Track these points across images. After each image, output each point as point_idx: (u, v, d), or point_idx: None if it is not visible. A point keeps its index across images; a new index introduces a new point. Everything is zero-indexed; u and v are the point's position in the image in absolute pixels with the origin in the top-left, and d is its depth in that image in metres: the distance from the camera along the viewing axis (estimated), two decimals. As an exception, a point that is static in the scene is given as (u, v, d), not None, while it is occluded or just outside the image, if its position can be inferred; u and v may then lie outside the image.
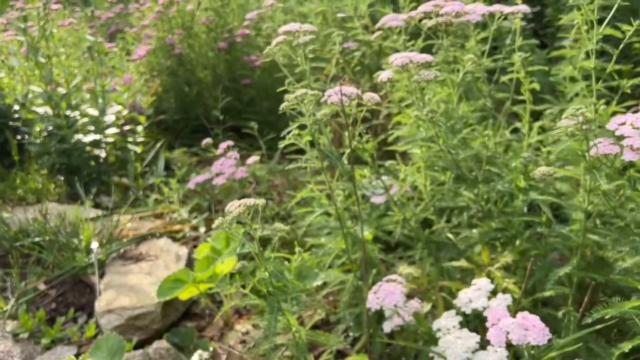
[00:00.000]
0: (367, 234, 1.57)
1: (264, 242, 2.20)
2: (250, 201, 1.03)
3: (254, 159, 2.01)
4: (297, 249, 1.14)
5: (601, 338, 1.34)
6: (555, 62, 2.85)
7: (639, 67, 3.28)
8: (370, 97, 1.22)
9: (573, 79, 1.76)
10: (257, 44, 2.89)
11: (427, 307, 1.43)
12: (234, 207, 1.03)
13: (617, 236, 1.35)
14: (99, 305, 1.66)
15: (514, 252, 1.41)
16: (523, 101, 1.73)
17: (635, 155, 1.07)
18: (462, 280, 1.48)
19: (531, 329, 1.03)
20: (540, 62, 3.05)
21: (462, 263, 1.47)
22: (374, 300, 1.18)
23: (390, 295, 1.17)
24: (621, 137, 1.11)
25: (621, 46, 1.53)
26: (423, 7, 1.51)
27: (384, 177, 1.83)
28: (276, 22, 2.57)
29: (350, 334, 1.49)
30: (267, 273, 1.08)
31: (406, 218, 1.38)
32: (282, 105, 1.16)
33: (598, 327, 1.12)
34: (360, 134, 1.28)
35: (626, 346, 0.97)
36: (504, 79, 1.73)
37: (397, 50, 1.84)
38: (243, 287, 1.17)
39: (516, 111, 1.77)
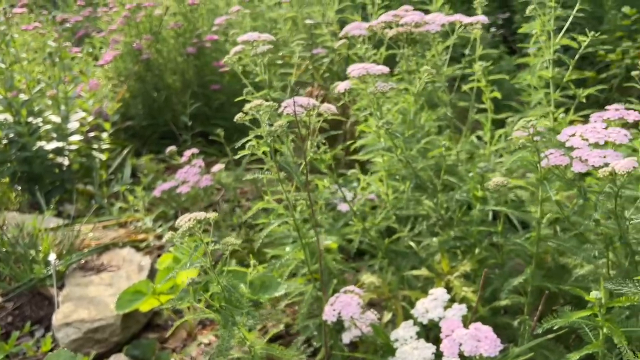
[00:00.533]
0: (332, 243, 1.57)
1: (232, 251, 2.19)
2: (200, 215, 1.02)
3: (219, 166, 1.99)
4: (252, 261, 1.13)
5: (560, 344, 1.36)
6: (523, 69, 2.89)
7: (603, 73, 3.35)
8: (327, 108, 1.22)
9: (535, 88, 1.79)
10: (226, 50, 2.87)
11: (387, 316, 1.44)
12: (184, 221, 1.01)
13: (572, 244, 1.37)
14: (57, 318, 1.62)
15: (473, 260, 1.42)
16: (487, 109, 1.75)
17: (584, 166, 1.08)
18: (424, 288, 1.48)
19: (483, 340, 1.04)
20: (510, 68, 3.09)
21: (423, 272, 1.48)
22: (330, 312, 1.18)
23: (346, 307, 1.17)
24: (571, 149, 1.13)
25: (577, 56, 1.56)
26: (384, 17, 1.52)
27: (353, 185, 1.83)
28: (243, 29, 2.56)
29: (314, 343, 1.48)
30: (220, 287, 1.07)
31: (365, 227, 1.38)
32: (237, 117, 1.15)
33: (550, 335, 1.14)
34: (318, 145, 1.28)
35: (573, 357, 0.98)
36: (465, 88, 1.75)
37: (362, 59, 1.85)
38: (199, 300, 1.15)
39: (479, 120, 1.79)
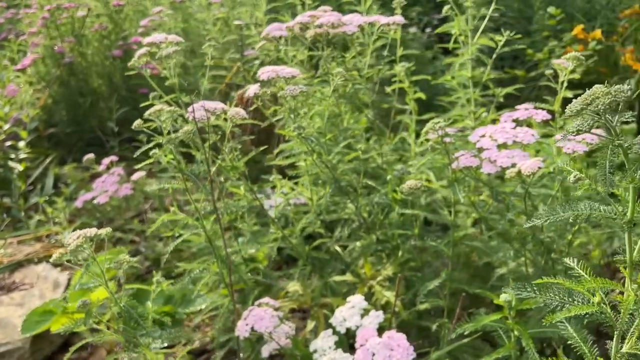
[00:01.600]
0: (259, 251, 1.51)
1: (156, 261, 2.10)
2: (91, 231, 0.94)
3: (139, 174, 1.90)
4: (155, 278, 1.06)
5: (485, 344, 1.36)
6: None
7: (532, 71, 3.43)
8: (235, 112, 1.16)
9: (465, 86, 1.79)
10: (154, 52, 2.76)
11: (310, 325, 1.39)
12: (73, 238, 0.94)
13: (489, 244, 1.37)
14: (-42, 344, 1.49)
15: (395, 264, 1.40)
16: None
17: (493, 167, 1.08)
18: (348, 294, 1.45)
19: (396, 349, 1.01)
20: (443, 68, 3.12)
21: (347, 277, 1.45)
22: (243, 327, 1.12)
23: (259, 321, 1.12)
24: (482, 150, 1.12)
25: (494, 55, 1.57)
26: (299, 18, 1.48)
27: (282, 191, 1.78)
28: (167, 30, 2.46)
29: (241, 354, 1.42)
30: (118, 307, 1.00)
31: (285, 234, 1.33)
32: (135, 124, 1.08)
33: (465, 340, 1.13)
34: (231, 150, 1.22)
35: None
36: (388, 89, 1.73)
37: (284, 61, 1.80)
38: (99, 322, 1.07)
39: (403, 120, 1.78)
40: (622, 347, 0.75)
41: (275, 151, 1.50)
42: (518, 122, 1.13)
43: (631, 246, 0.68)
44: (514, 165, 1.04)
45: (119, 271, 0.97)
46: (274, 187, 1.72)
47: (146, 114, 1.08)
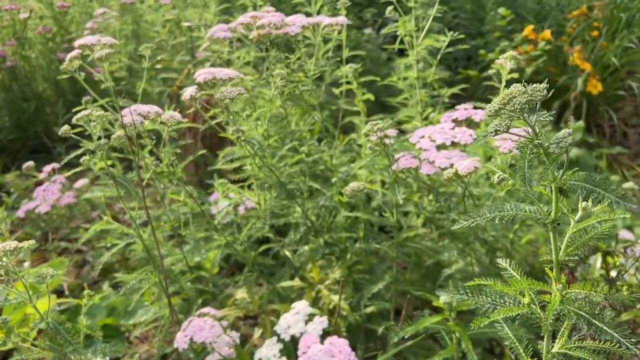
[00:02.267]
0: (205, 259, 1.47)
1: (105, 271, 2.02)
2: (11, 244, 0.89)
3: (82, 181, 1.83)
4: (85, 291, 1.01)
5: (436, 344, 1.35)
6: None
7: (485, 71, 3.49)
8: (170, 116, 1.12)
9: (412, 87, 1.79)
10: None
11: (257, 333, 1.37)
12: (-9, 252, 0.88)
13: (439, 244, 1.37)
14: None
15: (343, 267, 1.39)
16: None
17: (432, 168, 1.07)
18: (297, 300, 1.43)
19: (337, 355, 0.99)
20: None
21: (295, 282, 1.42)
22: (182, 338, 1.08)
23: (199, 332, 1.08)
24: (421, 151, 1.11)
25: (439, 56, 1.57)
26: (242, 19, 1.45)
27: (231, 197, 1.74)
28: (113, 33, 2.39)
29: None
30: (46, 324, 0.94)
31: (228, 241, 1.30)
32: (62, 130, 1.03)
33: (409, 343, 1.12)
34: (168, 155, 1.18)
35: (427, 364, 0.96)
36: (336, 91, 1.72)
37: (234, 63, 1.77)
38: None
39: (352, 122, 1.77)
40: (553, 346, 0.74)
41: (221, 154, 1.46)
42: (457, 122, 1.13)
43: (556, 246, 0.67)
44: (452, 166, 1.03)
45: (42, 285, 0.91)
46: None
47: (74, 119, 1.03)
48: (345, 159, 1.66)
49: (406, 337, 1.01)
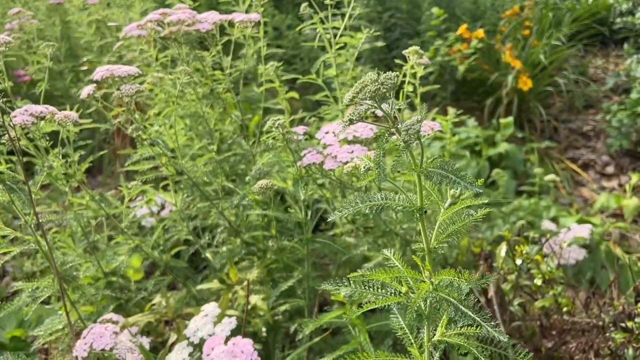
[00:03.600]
0: (119, 264, 1.43)
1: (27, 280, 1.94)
2: None
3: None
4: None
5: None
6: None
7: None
8: (64, 116, 1.08)
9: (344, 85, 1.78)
10: (23, 56, 2.56)
11: (173, 337, 1.33)
12: None
13: (360, 239, 1.37)
14: None
15: (262, 267, 1.37)
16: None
17: (335, 163, 1.07)
18: (216, 302, 1.40)
19: (239, 356, 0.97)
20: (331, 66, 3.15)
21: (213, 284, 1.39)
22: (81, 346, 1.04)
23: (99, 339, 1.04)
24: (326, 146, 1.11)
25: (356, 53, 1.58)
26: (151, 16, 1.41)
27: (158, 198, 1.69)
28: (31, 34, 2.29)
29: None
30: None
31: (138, 244, 1.26)
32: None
33: (316, 338, 1.11)
34: (65, 156, 1.13)
35: (328, 357, 0.96)
36: (259, 90, 1.70)
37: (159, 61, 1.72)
38: None
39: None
40: (434, 335, 0.75)
41: (134, 156, 1.42)
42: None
43: (426, 234, 0.68)
44: (352, 160, 1.03)
45: None
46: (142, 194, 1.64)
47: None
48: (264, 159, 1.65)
49: (308, 333, 1.00)
